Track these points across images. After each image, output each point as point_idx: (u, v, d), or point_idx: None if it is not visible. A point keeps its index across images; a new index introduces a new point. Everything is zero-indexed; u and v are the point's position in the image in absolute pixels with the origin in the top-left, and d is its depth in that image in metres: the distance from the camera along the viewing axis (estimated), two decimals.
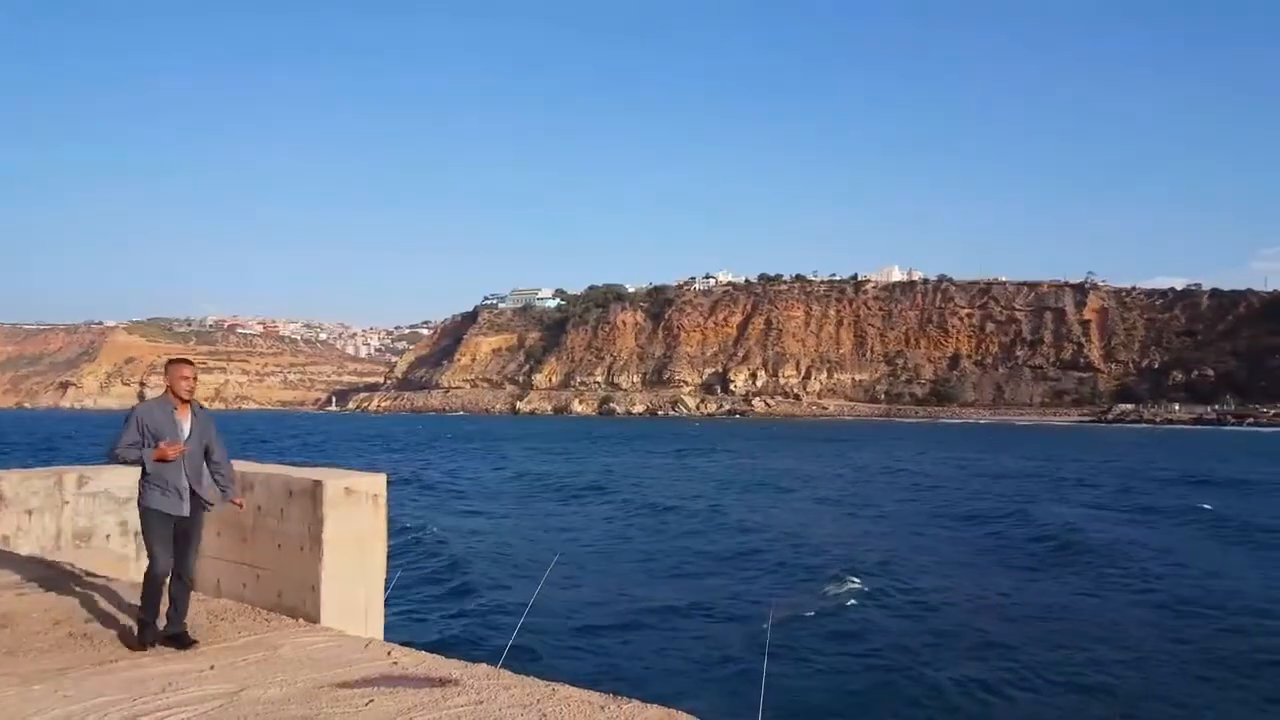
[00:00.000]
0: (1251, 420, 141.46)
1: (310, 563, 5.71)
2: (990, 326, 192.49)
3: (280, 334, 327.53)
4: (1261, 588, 17.76)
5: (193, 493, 5.20)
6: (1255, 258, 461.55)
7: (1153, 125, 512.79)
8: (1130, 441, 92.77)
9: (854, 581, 17.34)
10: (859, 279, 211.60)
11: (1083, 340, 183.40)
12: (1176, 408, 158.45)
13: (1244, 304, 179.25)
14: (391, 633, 6.13)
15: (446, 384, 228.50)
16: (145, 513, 5.14)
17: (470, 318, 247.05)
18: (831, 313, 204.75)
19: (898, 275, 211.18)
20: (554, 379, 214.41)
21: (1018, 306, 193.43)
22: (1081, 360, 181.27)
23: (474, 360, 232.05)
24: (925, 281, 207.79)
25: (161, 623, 5.07)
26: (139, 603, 5.13)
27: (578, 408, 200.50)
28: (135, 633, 5.05)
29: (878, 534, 25.41)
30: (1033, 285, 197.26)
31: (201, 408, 5.37)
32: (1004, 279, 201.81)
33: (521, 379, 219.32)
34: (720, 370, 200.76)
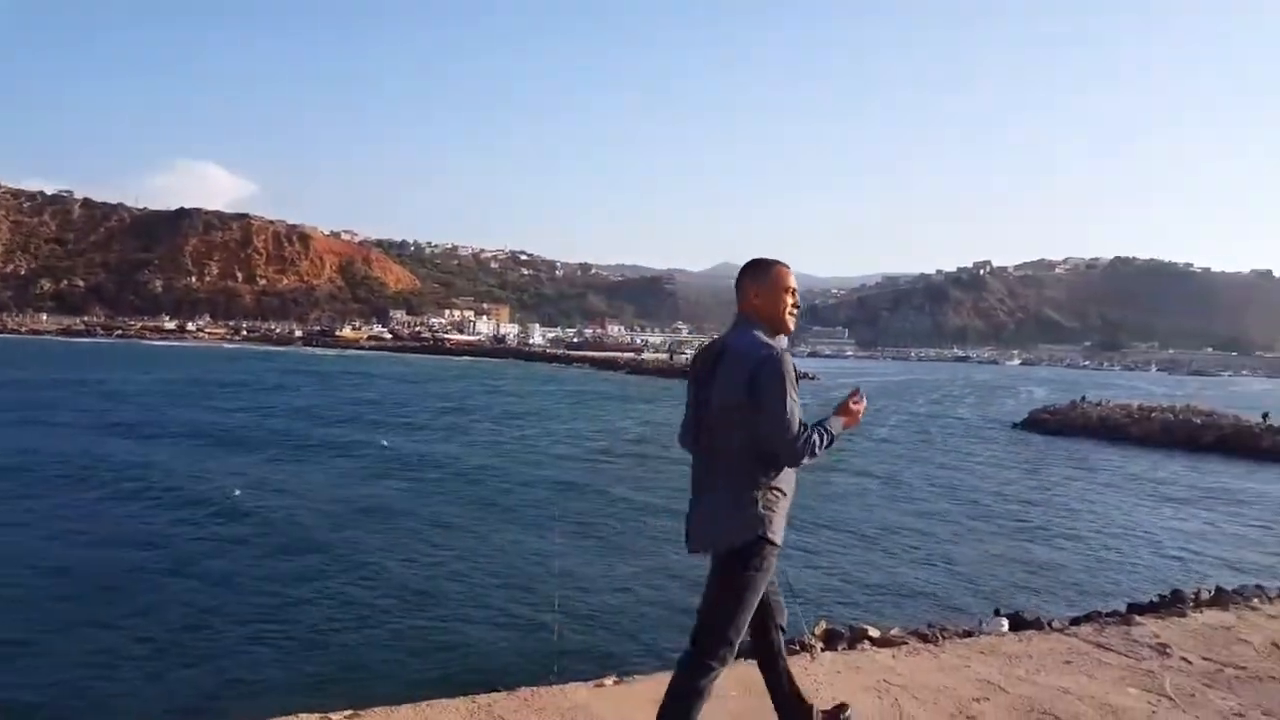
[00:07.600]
0: (120, 332, 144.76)
1: None
2: None
3: None
4: None
5: None
6: (127, 174, 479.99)
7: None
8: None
9: None
10: None
11: None
12: (44, 318, 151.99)
13: (116, 218, 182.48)
14: None
15: None
16: (761, 551, 2.63)
17: None
18: None
19: None
20: None
21: None
22: None
23: None
24: None
25: None
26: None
27: None
28: None
29: None
30: None
31: None
32: None
33: None
34: None
